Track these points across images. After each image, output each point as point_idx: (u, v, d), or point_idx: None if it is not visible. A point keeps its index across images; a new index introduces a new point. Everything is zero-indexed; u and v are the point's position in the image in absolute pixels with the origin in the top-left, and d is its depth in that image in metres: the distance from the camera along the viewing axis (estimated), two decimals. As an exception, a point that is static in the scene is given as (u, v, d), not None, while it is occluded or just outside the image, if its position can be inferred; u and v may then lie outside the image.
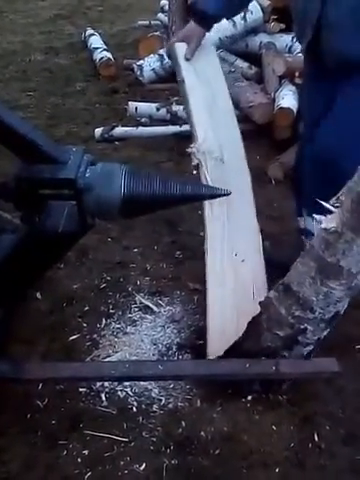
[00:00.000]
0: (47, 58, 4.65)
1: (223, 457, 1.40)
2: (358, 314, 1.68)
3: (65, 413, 1.51)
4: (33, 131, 1.25)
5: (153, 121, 3.19)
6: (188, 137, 2.92)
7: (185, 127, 2.99)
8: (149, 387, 1.58)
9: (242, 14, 3.23)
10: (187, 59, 1.86)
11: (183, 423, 1.48)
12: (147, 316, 1.85)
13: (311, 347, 1.46)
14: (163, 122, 3.15)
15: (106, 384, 1.59)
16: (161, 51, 3.75)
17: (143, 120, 3.21)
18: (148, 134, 3.07)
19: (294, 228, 1.98)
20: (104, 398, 1.56)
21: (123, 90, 3.86)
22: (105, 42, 4.52)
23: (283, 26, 3.40)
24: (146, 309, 1.88)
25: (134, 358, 1.68)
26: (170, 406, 1.53)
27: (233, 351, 1.50)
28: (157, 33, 4.25)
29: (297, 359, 1.47)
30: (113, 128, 3.09)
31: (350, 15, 1.52)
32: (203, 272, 1.70)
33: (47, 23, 5.76)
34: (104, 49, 4.29)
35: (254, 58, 3.42)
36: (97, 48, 4.32)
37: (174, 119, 3.13)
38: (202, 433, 1.46)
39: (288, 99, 2.90)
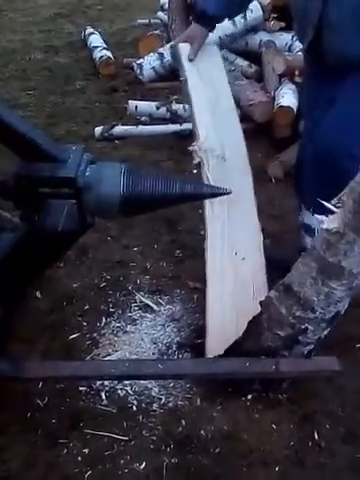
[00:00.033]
0: (47, 57, 4.64)
1: (223, 456, 1.40)
2: (358, 313, 1.68)
3: (65, 412, 1.51)
4: (32, 130, 1.25)
5: (153, 120, 3.19)
6: (188, 136, 2.95)
7: (185, 126, 2.99)
8: (149, 386, 1.58)
9: (242, 12, 3.23)
10: (190, 59, 1.87)
11: (183, 422, 1.48)
12: (147, 315, 1.85)
13: (311, 346, 1.46)
14: (163, 121, 3.15)
15: (106, 383, 1.59)
16: (161, 50, 3.75)
17: (143, 119, 3.21)
18: (148, 133, 3.07)
19: (295, 227, 1.98)
20: (104, 397, 1.56)
21: (123, 89, 3.85)
22: (105, 41, 4.52)
23: (283, 24, 3.40)
24: (146, 308, 1.88)
25: (134, 357, 1.68)
26: (170, 405, 1.53)
27: (233, 350, 1.49)
28: (157, 32, 4.24)
29: (297, 358, 1.47)
30: (113, 127, 3.08)
31: (351, 15, 1.52)
32: (203, 271, 1.70)
33: (47, 22, 5.76)
34: (104, 48, 4.29)
35: (254, 56, 3.42)
36: (97, 47, 4.32)
37: (174, 118, 3.12)
38: (202, 432, 1.46)
39: (288, 98, 2.90)
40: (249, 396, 1.54)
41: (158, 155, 2.92)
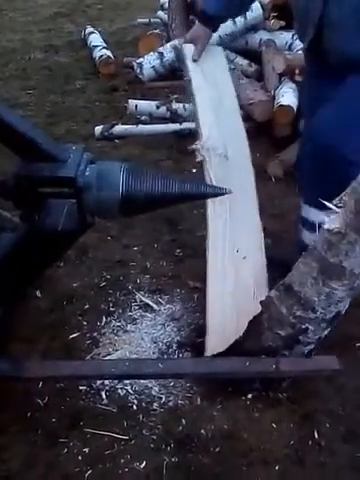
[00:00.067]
0: (47, 56, 4.64)
1: (223, 455, 1.40)
2: (358, 312, 1.68)
3: (65, 411, 1.51)
4: (32, 129, 1.25)
5: (153, 119, 3.19)
6: (188, 135, 2.96)
7: (185, 125, 3.00)
8: (149, 385, 1.58)
9: (242, 11, 3.23)
10: (194, 60, 1.89)
11: (183, 421, 1.49)
12: (147, 314, 1.85)
13: (312, 346, 1.46)
14: (163, 120, 3.15)
15: (106, 382, 1.59)
16: (161, 49, 3.74)
17: (143, 118, 3.21)
18: (148, 132, 3.07)
19: (294, 226, 1.98)
20: (104, 396, 1.56)
21: (123, 88, 3.85)
22: (105, 40, 4.51)
23: (283, 23, 3.39)
24: (146, 307, 1.88)
25: (134, 356, 1.69)
26: (170, 404, 1.53)
27: (234, 350, 1.49)
28: (157, 31, 4.24)
29: (297, 357, 1.47)
30: (113, 126, 3.08)
31: (352, 14, 1.51)
32: (203, 270, 1.70)
33: (47, 21, 5.75)
34: (104, 47, 4.29)
35: (254, 55, 3.41)
36: (97, 46, 4.32)
37: (174, 117, 3.12)
38: (202, 431, 1.46)
39: (288, 97, 2.90)
40: (249, 395, 1.54)
41: (158, 154, 2.92)
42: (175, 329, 1.78)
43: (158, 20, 4.76)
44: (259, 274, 1.70)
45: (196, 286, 1.94)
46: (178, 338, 1.75)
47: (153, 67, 3.72)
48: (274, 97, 2.98)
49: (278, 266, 1.67)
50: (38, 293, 1.93)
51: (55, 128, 3.25)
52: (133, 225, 2.29)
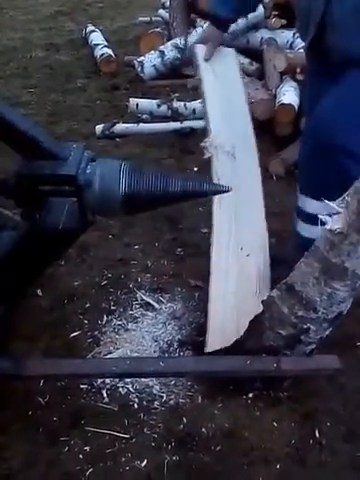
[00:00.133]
0: (48, 55, 4.64)
1: (224, 453, 1.40)
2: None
3: (66, 410, 1.51)
4: (33, 127, 1.25)
5: (154, 118, 3.18)
6: (189, 133, 2.95)
7: (186, 123, 2.99)
8: (150, 384, 1.58)
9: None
10: (206, 60, 1.94)
11: (184, 419, 1.49)
12: (148, 313, 1.85)
13: (313, 346, 1.46)
14: (164, 119, 3.15)
15: (107, 381, 1.59)
16: (162, 47, 3.74)
17: (144, 117, 3.21)
18: (149, 131, 3.07)
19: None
20: (105, 395, 1.56)
21: (124, 87, 3.85)
22: (106, 38, 4.51)
23: (284, 22, 3.39)
24: (147, 306, 1.88)
25: (135, 355, 1.68)
26: (171, 403, 1.53)
27: (234, 349, 1.49)
28: (158, 29, 4.24)
29: (298, 356, 1.47)
30: (114, 125, 3.08)
31: (355, 13, 1.51)
32: (204, 269, 1.70)
33: (47, 19, 5.75)
34: (105, 45, 4.28)
35: (255, 54, 3.41)
36: (98, 44, 4.31)
37: (175, 116, 3.12)
38: (203, 429, 1.46)
39: (289, 95, 2.89)
40: (250, 394, 1.54)
41: (159, 153, 2.92)
42: (176, 328, 1.78)
43: (159, 18, 4.76)
44: (263, 273, 1.70)
45: (197, 285, 1.94)
46: (179, 337, 1.75)
47: (154, 66, 3.72)
48: (275, 96, 2.98)
49: (278, 265, 1.68)
50: (39, 292, 1.93)
51: (56, 127, 3.25)
52: (134, 224, 2.29)
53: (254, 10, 1.99)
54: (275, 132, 2.93)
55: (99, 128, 3.09)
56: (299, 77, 2.94)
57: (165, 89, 3.64)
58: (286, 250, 1.85)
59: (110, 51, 4.18)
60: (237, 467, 1.37)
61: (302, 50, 2.71)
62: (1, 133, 1.22)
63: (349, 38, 1.55)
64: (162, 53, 3.69)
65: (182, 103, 3.15)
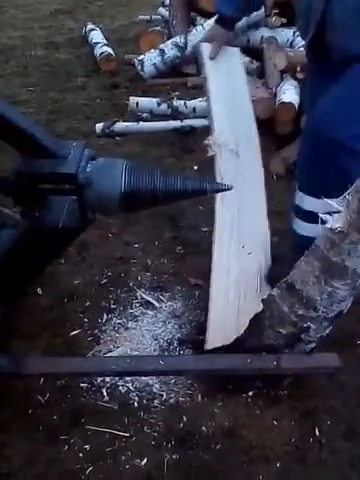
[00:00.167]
0: (47, 53, 4.63)
1: (224, 452, 1.40)
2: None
3: (66, 408, 1.51)
4: (33, 126, 1.25)
5: (154, 116, 3.18)
6: (189, 132, 2.95)
7: (186, 122, 2.99)
8: (150, 382, 1.58)
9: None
10: (211, 58, 1.96)
11: (184, 418, 1.49)
12: (148, 311, 1.85)
13: (313, 345, 1.46)
14: (164, 117, 3.14)
15: (107, 379, 1.59)
16: (162, 46, 3.74)
17: (144, 115, 3.20)
18: (149, 129, 3.06)
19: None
20: (105, 393, 1.56)
21: (124, 85, 3.84)
22: (106, 37, 4.50)
23: (285, 20, 3.39)
24: (147, 304, 1.88)
25: (135, 353, 1.68)
26: (171, 401, 1.53)
27: (235, 347, 1.49)
28: (158, 28, 4.23)
29: (298, 354, 1.47)
30: (114, 123, 3.08)
31: (355, 12, 1.51)
32: (205, 267, 1.70)
33: (47, 18, 5.74)
34: (105, 44, 4.27)
35: (255, 53, 3.40)
36: (98, 43, 4.31)
37: (175, 114, 3.11)
38: (203, 428, 1.46)
39: (290, 94, 2.89)
40: (250, 392, 1.54)
41: (159, 151, 2.92)
42: (176, 326, 1.78)
43: (159, 17, 4.76)
44: (263, 271, 1.70)
45: (197, 283, 1.94)
46: (179, 335, 1.75)
47: (154, 64, 3.71)
48: (276, 94, 2.98)
49: (278, 264, 1.68)
50: (39, 290, 1.93)
51: (56, 125, 3.25)
52: (134, 222, 2.29)
53: (258, 9, 2.01)
54: (275, 131, 2.93)
55: (99, 126, 3.08)
56: (299, 76, 2.94)
57: (165, 87, 3.63)
58: (285, 248, 1.85)
59: (110, 49, 4.17)
60: (237, 465, 1.37)
61: (302, 49, 2.71)
62: (1, 131, 1.22)
63: (349, 37, 1.55)
64: (162, 51, 3.69)
65: (182, 102, 3.14)
